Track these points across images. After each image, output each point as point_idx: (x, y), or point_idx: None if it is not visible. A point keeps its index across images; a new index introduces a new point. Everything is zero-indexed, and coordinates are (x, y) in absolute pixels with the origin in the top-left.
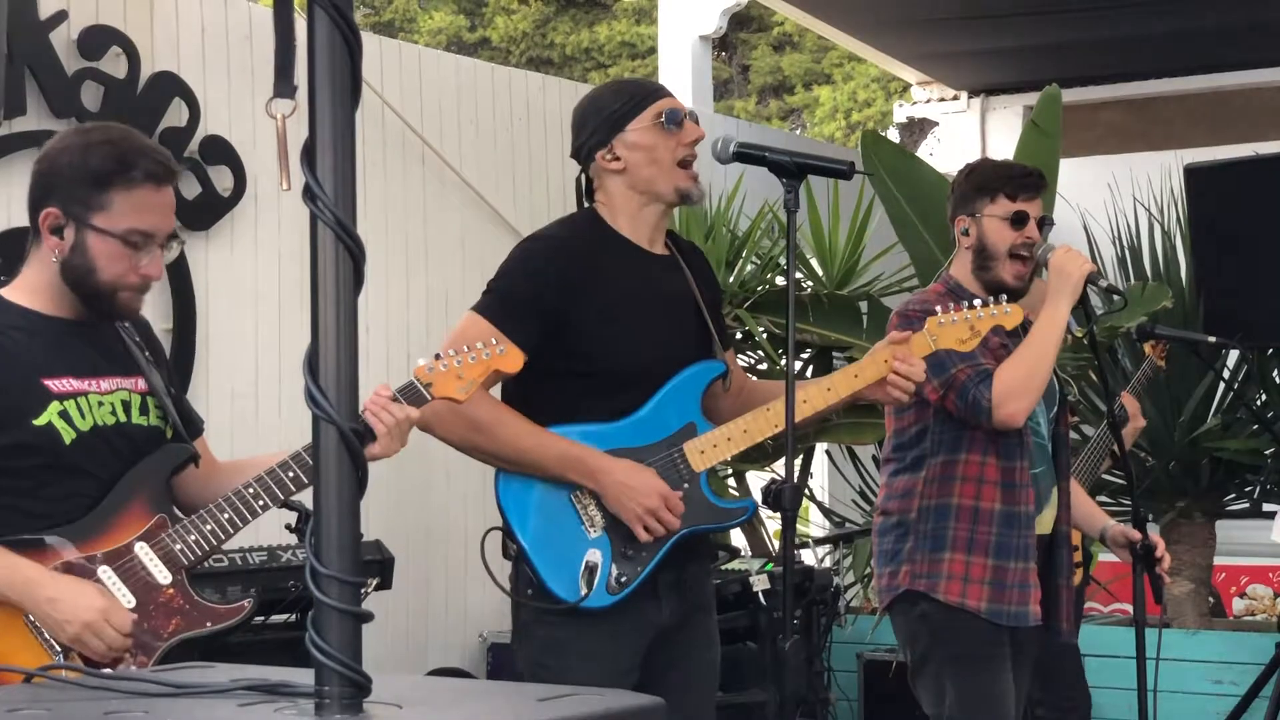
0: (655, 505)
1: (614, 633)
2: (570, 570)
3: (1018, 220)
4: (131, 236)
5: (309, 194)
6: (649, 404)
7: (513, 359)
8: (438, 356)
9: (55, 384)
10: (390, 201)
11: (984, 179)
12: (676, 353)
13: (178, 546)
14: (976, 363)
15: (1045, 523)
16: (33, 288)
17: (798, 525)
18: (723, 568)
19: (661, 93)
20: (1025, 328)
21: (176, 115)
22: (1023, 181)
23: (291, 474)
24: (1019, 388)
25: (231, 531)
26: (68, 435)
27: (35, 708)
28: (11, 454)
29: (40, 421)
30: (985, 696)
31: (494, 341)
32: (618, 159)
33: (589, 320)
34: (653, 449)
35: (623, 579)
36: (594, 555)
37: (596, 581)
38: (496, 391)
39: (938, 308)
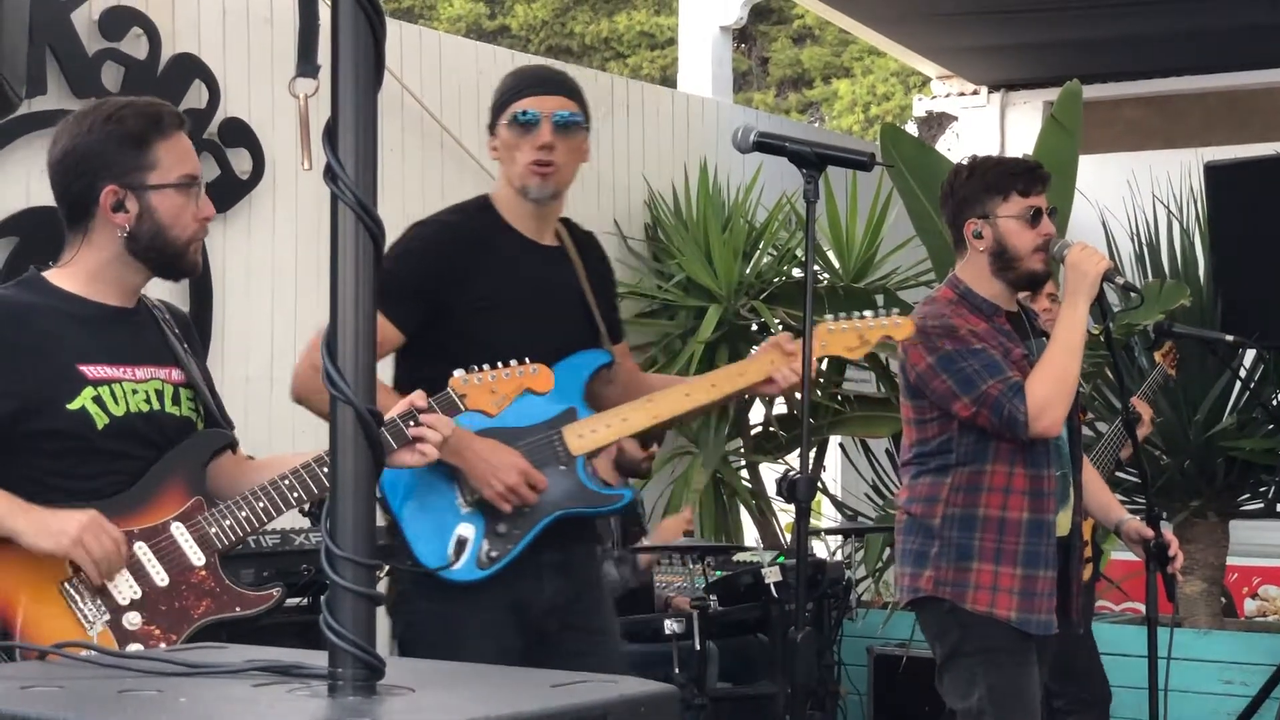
0: (515, 482)
1: (490, 608)
2: (441, 542)
3: (1035, 216)
4: (184, 182)
5: (330, 174)
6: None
7: (544, 379)
8: (471, 370)
9: (91, 370)
10: (408, 187)
11: (991, 178)
12: (559, 342)
13: (213, 530)
14: (1005, 376)
15: (1063, 524)
16: (82, 273)
17: (810, 518)
18: (734, 559)
19: (525, 90)
20: (1031, 323)
21: (196, 97)
22: (1033, 175)
23: (328, 470)
24: (1053, 397)
25: (266, 520)
26: (100, 420)
27: (49, 685)
28: (46, 438)
29: (74, 406)
30: (1016, 692)
31: (528, 360)
32: (496, 151)
33: (470, 307)
34: (531, 430)
35: (493, 554)
36: (466, 529)
37: (466, 555)
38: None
39: (851, 316)
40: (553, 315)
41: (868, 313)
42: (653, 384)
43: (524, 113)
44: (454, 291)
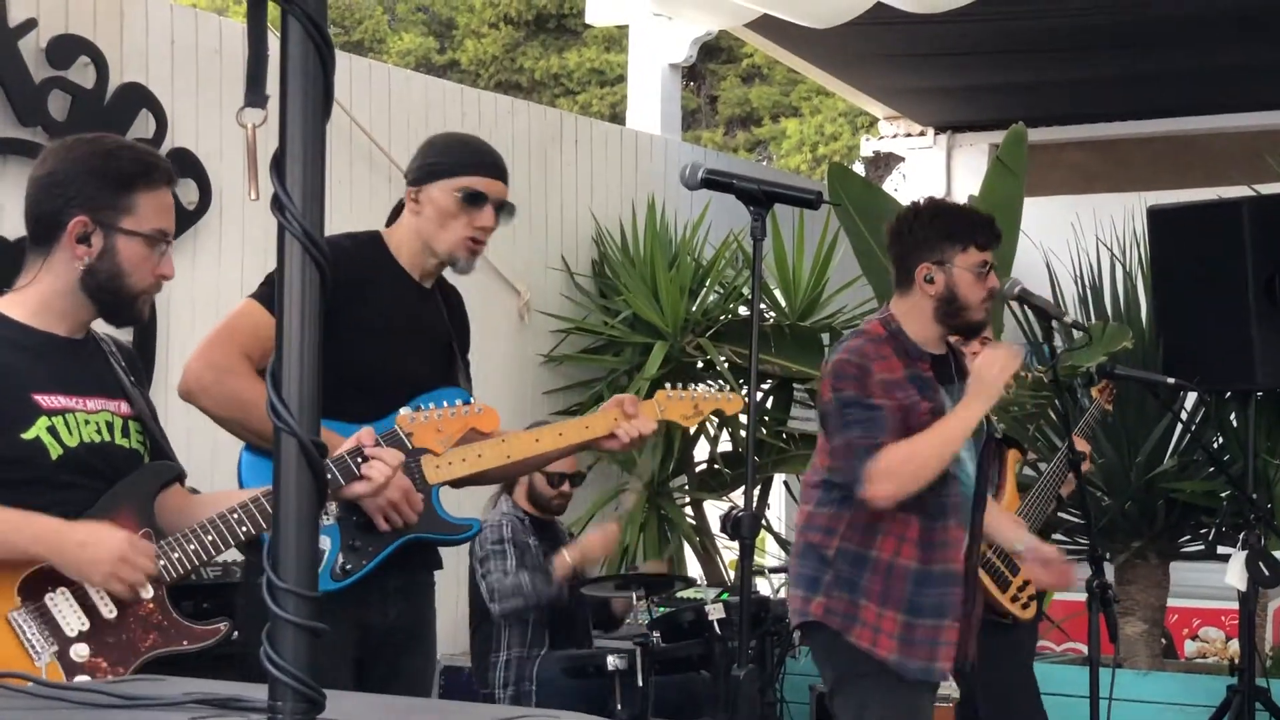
0: (397, 498)
1: (337, 622)
2: None
3: (985, 270)
4: (155, 235)
5: (277, 204)
6: (393, 415)
7: (489, 419)
8: (418, 407)
9: (45, 399)
10: (356, 219)
11: (952, 226)
12: (423, 376)
13: (161, 563)
14: (874, 437)
15: None
16: (33, 301)
17: (754, 555)
18: (678, 595)
19: (480, 170)
20: (958, 364)
21: (143, 127)
22: (991, 230)
23: None
24: (895, 471)
25: (214, 553)
26: (54, 451)
27: None
28: None
29: (29, 435)
30: (907, 710)
31: (473, 400)
32: (417, 203)
33: (349, 328)
34: None
35: (348, 567)
36: (323, 542)
37: (321, 566)
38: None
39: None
40: (422, 351)
41: (706, 385)
42: (503, 432)
43: (476, 192)
44: (336, 309)
